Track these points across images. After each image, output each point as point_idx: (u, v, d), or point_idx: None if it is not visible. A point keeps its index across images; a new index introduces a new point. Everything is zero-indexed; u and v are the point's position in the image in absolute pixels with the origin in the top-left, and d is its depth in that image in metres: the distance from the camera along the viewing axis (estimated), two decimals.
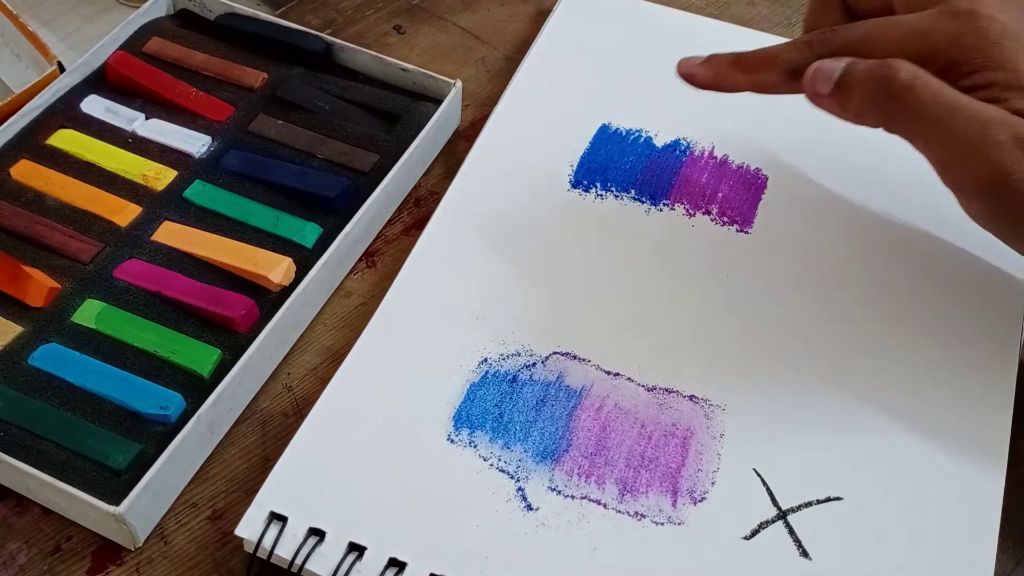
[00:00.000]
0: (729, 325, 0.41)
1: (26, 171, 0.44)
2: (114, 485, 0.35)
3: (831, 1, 0.40)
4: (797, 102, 0.39)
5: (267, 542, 0.34)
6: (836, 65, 0.36)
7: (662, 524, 0.35)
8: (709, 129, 0.48)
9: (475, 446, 0.37)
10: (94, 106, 0.47)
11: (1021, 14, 0.35)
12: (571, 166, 0.47)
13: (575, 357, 0.40)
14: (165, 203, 0.44)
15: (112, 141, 0.46)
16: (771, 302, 0.42)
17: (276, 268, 0.41)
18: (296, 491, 0.35)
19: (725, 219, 0.45)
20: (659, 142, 0.48)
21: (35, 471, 0.34)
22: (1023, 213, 0.34)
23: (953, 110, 0.34)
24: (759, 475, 0.36)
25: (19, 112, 0.45)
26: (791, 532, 0.35)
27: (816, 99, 0.37)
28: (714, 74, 0.41)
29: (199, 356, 0.38)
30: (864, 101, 0.36)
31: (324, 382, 0.38)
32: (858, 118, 0.37)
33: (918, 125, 0.35)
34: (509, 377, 0.39)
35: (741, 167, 0.47)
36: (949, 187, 0.36)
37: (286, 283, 0.41)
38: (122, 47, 0.49)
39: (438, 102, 0.48)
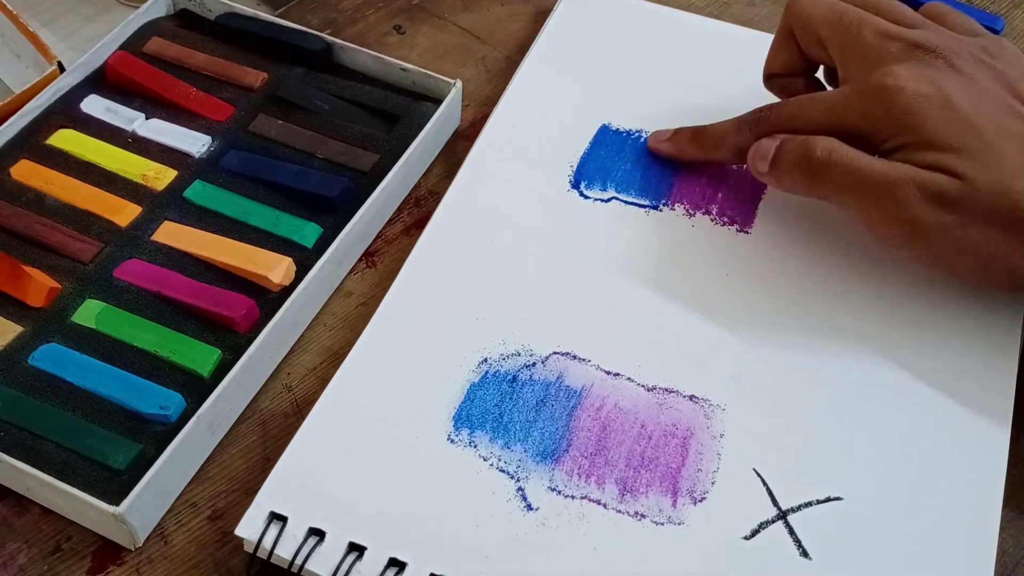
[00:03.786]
0: (729, 325, 0.41)
1: (26, 171, 0.44)
2: (114, 485, 0.35)
3: (789, 45, 0.44)
4: None
5: (267, 542, 0.34)
6: (771, 144, 0.41)
7: (662, 524, 0.35)
8: None
9: (475, 446, 0.37)
10: (94, 106, 0.47)
11: (943, 72, 0.39)
12: (571, 166, 0.47)
13: (575, 357, 0.40)
14: (165, 203, 0.44)
15: (112, 141, 0.46)
16: (771, 302, 0.42)
17: (276, 268, 0.41)
18: (296, 491, 0.35)
19: (725, 219, 0.45)
20: None
21: (35, 471, 0.34)
22: (943, 254, 0.39)
23: (864, 177, 0.38)
24: (759, 475, 0.36)
25: (19, 112, 0.45)
26: (791, 532, 0.35)
27: (759, 176, 0.42)
28: (676, 149, 0.46)
29: (199, 356, 0.38)
30: (792, 177, 0.41)
31: (324, 382, 0.38)
32: (792, 190, 0.42)
33: (837, 194, 0.40)
34: (509, 377, 0.39)
35: (741, 167, 0.47)
36: (878, 241, 0.41)
37: (286, 283, 0.41)
38: (122, 47, 0.49)
39: (438, 102, 0.48)
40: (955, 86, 0.38)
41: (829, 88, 0.45)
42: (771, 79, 0.46)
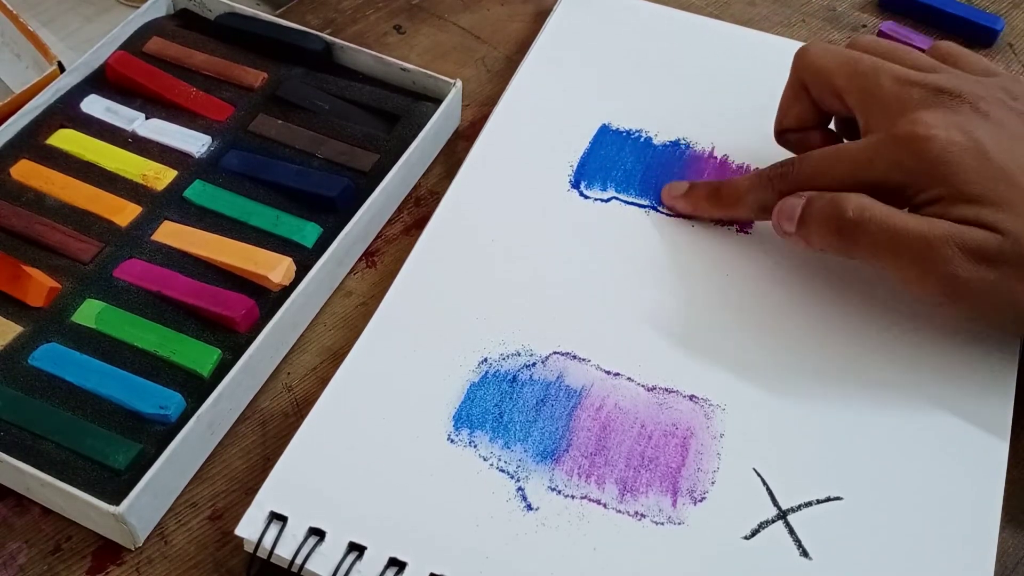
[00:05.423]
0: (729, 325, 0.41)
1: (26, 171, 0.44)
2: (114, 485, 0.35)
3: (801, 98, 0.43)
4: None
5: (267, 542, 0.34)
6: (797, 203, 0.39)
7: (662, 524, 0.35)
8: (709, 129, 0.48)
9: (475, 446, 0.37)
10: (94, 106, 0.47)
11: (970, 117, 0.37)
12: (571, 166, 0.47)
13: (575, 357, 0.40)
14: (165, 203, 0.44)
15: (112, 141, 0.46)
16: (771, 302, 0.42)
17: (276, 268, 0.41)
18: (296, 491, 0.35)
19: None
20: (659, 142, 0.48)
21: (35, 471, 0.34)
22: (986, 309, 0.37)
23: (900, 236, 0.36)
24: (759, 475, 0.36)
25: (19, 112, 0.45)
26: (791, 532, 0.35)
27: (784, 237, 0.40)
28: (693, 207, 0.44)
29: (199, 356, 0.38)
30: (823, 238, 0.39)
31: (324, 382, 0.38)
32: (822, 250, 0.39)
33: (872, 255, 0.38)
34: (509, 377, 0.39)
35: (741, 167, 0.47)
36: (915, 298, 0.39)
37: (286, 283, 0.41)
38: (122, 47, 0.49)
39: (438, 102, 0.48)
40: (985, 132, 0.37)
41: (845, 140, 0.44)
42: (783, 135, 0.44)
